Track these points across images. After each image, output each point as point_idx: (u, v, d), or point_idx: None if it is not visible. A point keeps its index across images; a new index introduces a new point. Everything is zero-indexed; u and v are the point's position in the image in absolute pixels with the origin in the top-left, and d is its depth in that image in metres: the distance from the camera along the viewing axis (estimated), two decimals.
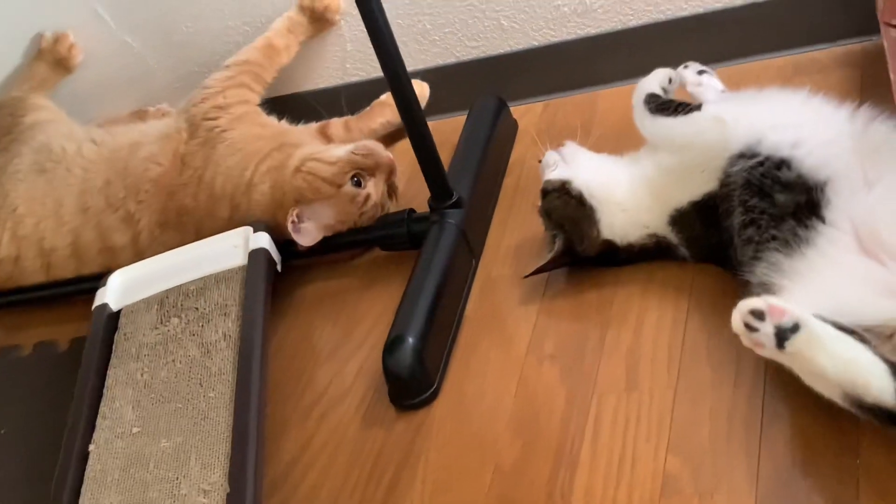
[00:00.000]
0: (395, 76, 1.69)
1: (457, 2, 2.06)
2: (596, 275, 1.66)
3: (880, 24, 1.52)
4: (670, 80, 1.69)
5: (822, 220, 1.37)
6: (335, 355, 1.77)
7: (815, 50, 1.90)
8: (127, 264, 1.96)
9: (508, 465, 1.46)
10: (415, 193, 1.93)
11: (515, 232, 1.83)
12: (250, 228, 1.85)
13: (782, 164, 1.43)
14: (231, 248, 1.85)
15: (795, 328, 1.19)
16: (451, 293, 1.71)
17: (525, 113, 2.08)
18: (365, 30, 1.65)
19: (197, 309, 1.79)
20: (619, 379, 1.50)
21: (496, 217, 1.88)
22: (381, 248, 1.90)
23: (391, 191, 1.90)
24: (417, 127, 1.74)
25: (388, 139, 2.06)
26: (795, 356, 1.21)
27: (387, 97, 2.04)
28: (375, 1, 1.63)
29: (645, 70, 1.70)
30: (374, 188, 1.84)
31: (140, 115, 2.23)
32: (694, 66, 1.73)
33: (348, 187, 1.83)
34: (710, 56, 1.84)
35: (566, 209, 1.63)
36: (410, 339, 1.59)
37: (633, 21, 1.99)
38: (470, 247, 1.79)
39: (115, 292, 1.89)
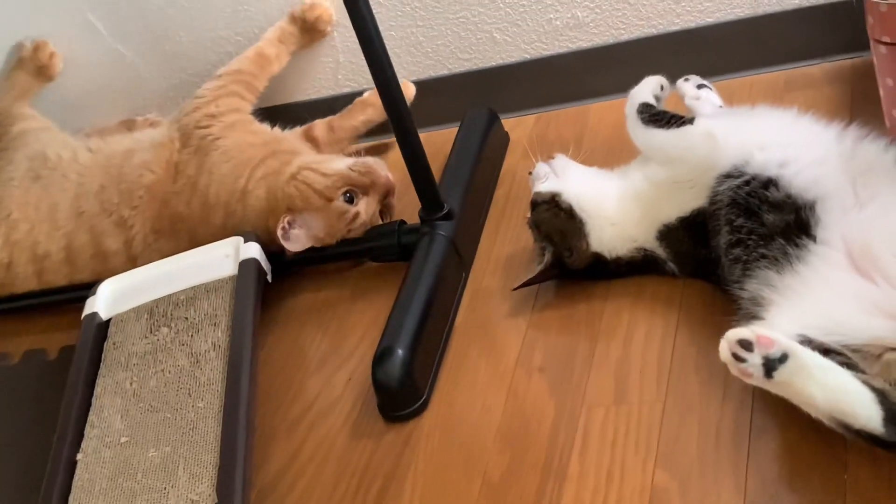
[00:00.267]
0: (386, 88, 1.70)
1: (449, 14, 2.06)
2: (586, 288, 1.66)
3: (870, 40, 1.53)
4: (662, 88, 1.69)
5: (813, 238, 1.38)
6: (324, 366, 1.77)
7: (807, 65, 1.91)
8: (119, 270, 1.96)
9: (497, 477, 1.46)
10: (406, 205, 1.93)
11: (506, 244, 1.83)
12: (241, 238, 1.85)
13: (770, 183, 1.43)
14: (221, 258, 1.85)
15: (784, 358, 1.19)
16: (441, 305, 1.72)
17: (516, 125, 2.08)
18: (357, 41, 1.66)
19: (186, 318, 1.79)
20: (608, 392, 1.50)
21: (487, 229, 1.88)
22: (371, 260, 1.90)
23: (386, 210, 1.90)
24: (408, 138, 1.75)
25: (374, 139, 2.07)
26: (783, 385, 1.21)
27: (369, 95, 2.05)
28: (368, 12, 1.64)
29: (635, 84, 1.70)
30: (364, 207, 1.84)
31: (128, 124, 2.23)
32: (694, 80, 1.74)
33: (339, 202, 1.83)
34: (702, 70, 1.84)
35: (555, 221, 1.63)
36: (400, 351, 1.59)
37: (625, 35, 1.99)
38: (460, 258, 1.79)
39: (104, 301, 1.89)
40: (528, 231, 1.71)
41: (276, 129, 2.01)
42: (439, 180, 1.85)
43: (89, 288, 1.93)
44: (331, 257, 1.90)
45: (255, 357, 1.69)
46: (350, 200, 1.83)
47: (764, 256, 1.40)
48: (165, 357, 1.74)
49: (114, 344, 1.81)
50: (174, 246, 1.94)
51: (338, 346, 1.79)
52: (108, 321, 1.86)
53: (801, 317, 1.31)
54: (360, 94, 2.15)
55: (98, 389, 1.74)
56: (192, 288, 1.83)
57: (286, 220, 1.82)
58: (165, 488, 1.54)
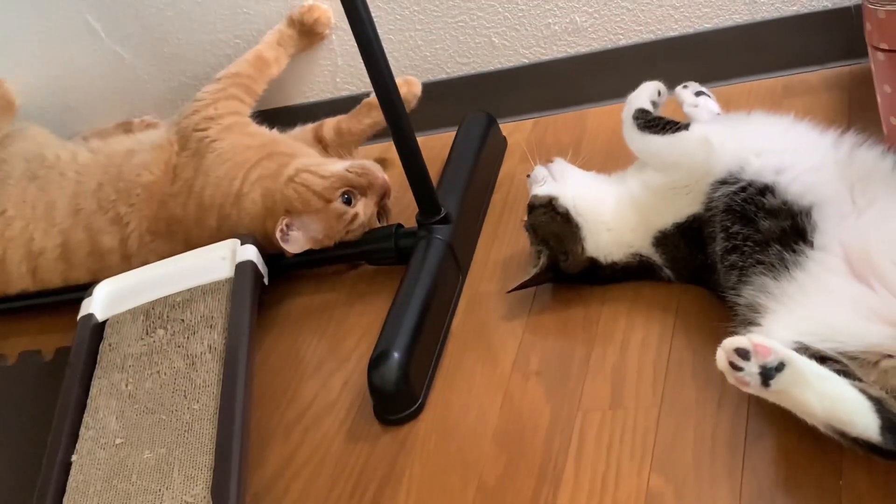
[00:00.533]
0: (385, 91, 1.70)
1: (448, 18, 2.06)
2: (583, 292, 1.66)
3: (868, 47, 1.53)
4: (659, 94, 1.69)
5: (810, 244, 1.38)
6: (321, 369, 1.77)
7: (805, 72, 1.91)
8: (114, 268, 1.96)
9: (492, 481, 1.46)
10: (403, 208, 1.93)
11: (503, 248, 1.84)
12: (237, 241, 1.85)
13: (766, 189, 1.43)
14: (218, 260, 1.85)
15: (780, 367, 1.19)
16: (438, 308, 1.72)
17: (514, 130, 2.08)
18: (355, 44, 1.66)
19: (183, 320, 1.79)
20: (604, 396, 1.50)
21: (484, 233, 1.89)
22: (368, 263, 1.90)
23: (383, 212, 1.90)
24: (406, 142, 1.75)
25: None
26: (780, 394, 1.21)
27: (375, 97, 2.03)
28: (366, 15, 1.64)
29: (633, 89, 1.70)
30: (363, 208, 1.85)
31: (125, 126, 2.23)
32: (693, 87, 1.74)
33: (337, 204, 1.83)
34: (700, 76, 1.84)
35: (552, 225, 1.63)
36: (396, 354, 1.59)
37: (624, 40, 2.00)
38: (457, 262, 1.79)
39: (100, 302, 1.89)
40: (525, 235, 1.71)
41: (274, 132, 2.01)
42: (437, 184, 1.86)
43: (85, 289, 1.93)
44: (328, 260, 1.90)
45: (252, 359, 1.69)
46: (348, 202, 1.84)
47: (760, 263, 1.40)
48: (161, 359, 1.74)
49: (109, 345, 1.81)
50: (170, 248, 1.94)
51: (334, 349, 1.79)
52: (104, 323, 1.86)
53: (797, 323, 1.31)
54: (358, 97, 2.15)
55: (93, 391, 1.74)
56: (189, 290, 1.83)
57: (284, 222, 1.82)
58: (160, 490, 1.54)
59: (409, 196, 1.81)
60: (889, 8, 1.45)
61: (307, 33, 2.11)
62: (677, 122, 1.58)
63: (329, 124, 2.06)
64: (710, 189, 1.50)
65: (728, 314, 1.44)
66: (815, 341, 1.27)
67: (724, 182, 1.48)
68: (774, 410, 1.30)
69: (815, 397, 1.20)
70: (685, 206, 1.54)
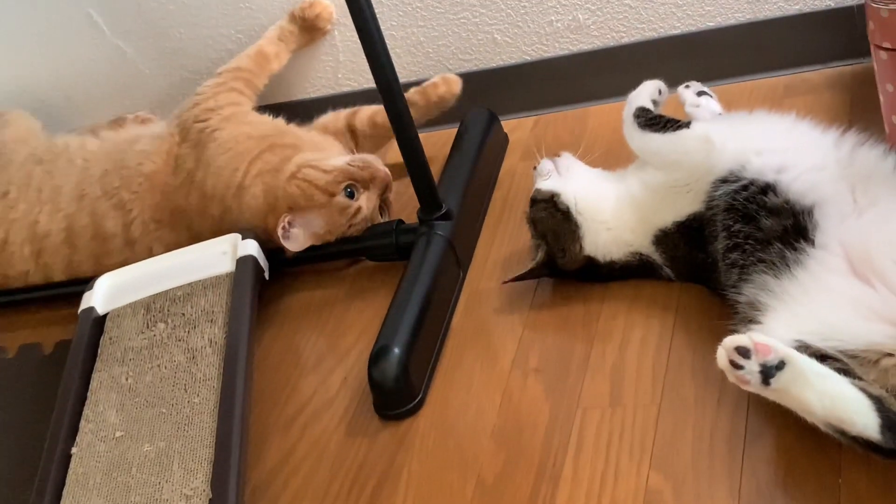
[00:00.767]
0: (387, 87, 1.70)
1: (451, 15, 2.06)
2: (583, 289, 1.66)
3: (871, 46, 1.53)
4: (660, 92, 1.69)
5: (812, 242, 1.38)
6: (320, 365, 1.77)
7: (807, 71, 1.91)
8: (117, 253, 1.97)
9: (491, 478, 1.46)
10: (404, 205, 1.93)
11: (503, 245, 1.84)
12: (238, 235, 1.86)
13: (767, 188, 1.43)
14: (219, 255, 1.85)
15: (781, 366, 1.20)
16: (438, 305, 1.72)
17: (516, 127, 2.08)
18: (358, 40, 1.66)
19: (183, 315, 1.79)
20: (604, 394, 1.50)
21: (485, 230, 1.89)
22: (368, 259, 1.90)
23: (385, 206, 1.90)
24: (408, 138, 1.75)
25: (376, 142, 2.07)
26: (781, 393, 1.21)
27: (414, 91, 2.01)
28: (370, 11, 1.64)
29: (636, 87, 1.70)
30: (366, 201, 1.85)
31: (119, 122, 2.24)
32: (695, 87, 1.74)
33: (340, 197, 1.83)
34: (702, 75, 1.85)
35: (551, 222, 1.64)
36: (396, 350, 1.59)
37: (626, 38, 2.00)
38: (458, 259, 1.79)
39: (101, 296, 1.89)
40: (526, 233, 1.71)
41: (279, 121, 2.00)
42: (438, 181, 1.86)
43: (86, 282, 1.93)
44: (328, 256, 1.90)
45: (252, 354, 1.69)
46: (351, 195, 1.84)
47: (761, 261, 1.40)
48: (161, 352, 1.74)
49: (110, 339, 1.81)
50: (174, 237, 1.95)
51: (334, 345, 1.79)
52: (105, 316, 1.86)
53: (798, 322, 1.31)
54: (359, 93, 2.15)
55: (93, 384, 1.74)
56: (190, 284, 1.83)
57: (286, 219, 1.82)
58: (160, 483, 1.54)
59: (411, 192, 1.82)
60: (892, 7, 1.45)
61: (309, 29, 2.12)
62: (678, 121, 1.58)
63: (364, 114, 2.04)
64: (710, 188, 1.50)
65: (728, 312, 1.44)
66: (815, 340, 1.27)
67: (725, 181, 1.48)
68: (774, 409, 1.30)
69: (815, 396, 1.20)
70: (686, 205, 1.54)
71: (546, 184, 1.67)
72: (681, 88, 1.74)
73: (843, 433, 1.22)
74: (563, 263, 1.64)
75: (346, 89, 2.19)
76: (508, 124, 2.08)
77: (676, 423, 1.42)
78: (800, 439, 1.31)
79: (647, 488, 1.35)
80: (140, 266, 1.92)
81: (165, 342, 1.76)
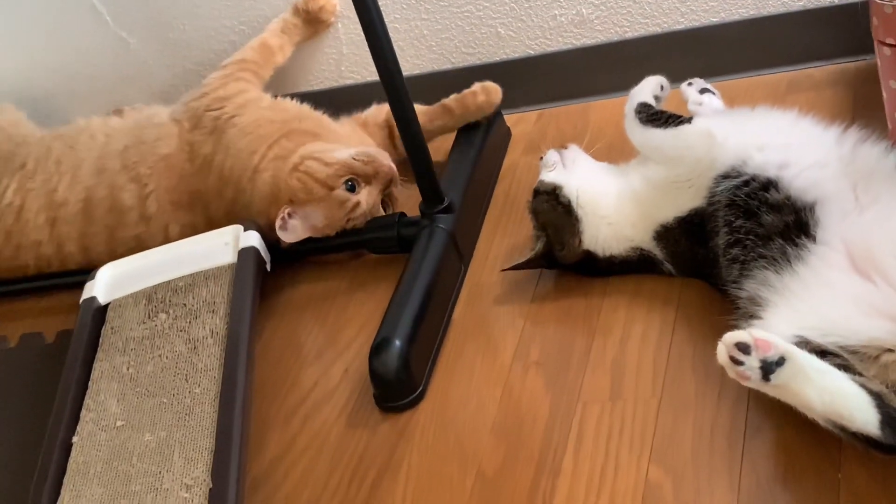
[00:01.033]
0: (390, 80, 1.70)
1: (455, 8, 2.06)
2: (584, 284, 1.66)
3: (874, 42, 1.53)
4: (662, 88, 1.69)
5: (813, 238, 1.38)
6: (321, 356, 1.77)
7: (810, 67, 1.91)
8: (131, 226, 1.98)
9: (491, 470, 1.46)
10: (406, 197, 1.93)
11: (505, 239, 1.84)
12: (241, 227, 1.86)
13: (769, 184, 1.44)
14: (221, 246, 1.85)
15: (781, 361, 1.19)
16: (439, 298, 1.72)
17: (518, 121, 2.08)
18: (361, 33, 1.66)
19: (185, 305, 1.79)
20: (604, 388, 1.50)
21: (486, 224, 1.89)
22: (370, 251, 1.91)
23: (389, 200, 1.90)
24: (411, 132, 1.75)
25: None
26: (781, 389, 1.21)
27: (452, 101, 1.98)
28: (373, 4, 1.64)
29: (638, 82, 1.70)
30: (365, 196, 1.84)
31: (117, 114, 2.23)
32: (698, 84, 1.74)
33: (340, 191, 1.83)
34: (706, 70, 1.85)
35: (552, 214, 1.64)
36: (397, 342, 1.59)
37: (630, 33, 2.00)
38: (459, 252, 1.80)
39: (103, 286, 1.89)
40: (528, 227, 1.72)
41: (303, 107, 1.99)
42: (440, 174, 1.86)
43: (88, 271, 1.94)
44: (330, 248, 1.90)
45: (253, 345, 1.69)
46: (352, 189, 1.84)
47: (762, 256, 1.40)
48: (163, 343, 1.75)
49: (112, 328, 1.82)
50: (191, 218, 1.96)
51: (335, 336, 1.80)
52: (107, 306, 1.87)
53: (798, 318, 1.31)
54: (362, 86, 2.15)
55: (95, 373, 1.75)
56: (192, 275, 1.83)
57: (286, 211, 1.82)
58: (160, 472, 1.55)
59: (413, 185, 1.82)
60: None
61: (312, 21, 2.12)
62: (679, 116, 1.58)
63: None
64: (712, 183, 1.50)
65: (729, 308, 1.44)
66: (815, 335, 1.28)
67: (726, 176, 1.48)
68: (774, 404, 1.30)
69: (815, 392, 1.20)
70: (687, 200, 1.54)
71: (550, 175, 1.67)
72: (683, 86, 1.74)
73: (843, 429, 1.22)
74: (561, 256, 1.65)
75: (349, 82, 2.19)
76: (511, 118, 2.08)
77: (677, 418, 1.42)
78: (799, 434, 1.31)
79: (647, 482, 1.35)
80: (142, 256, 1.92)
81: (167, 332, 1.76)
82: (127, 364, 1.74)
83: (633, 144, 1.65)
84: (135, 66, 2.29)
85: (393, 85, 1.71)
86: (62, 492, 1.58)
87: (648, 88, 1.67)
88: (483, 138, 1.98)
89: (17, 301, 2.12)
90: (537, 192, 1.67)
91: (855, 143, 1.47)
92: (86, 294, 1.89)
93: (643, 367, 1.51)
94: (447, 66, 2.13)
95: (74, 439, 1.65)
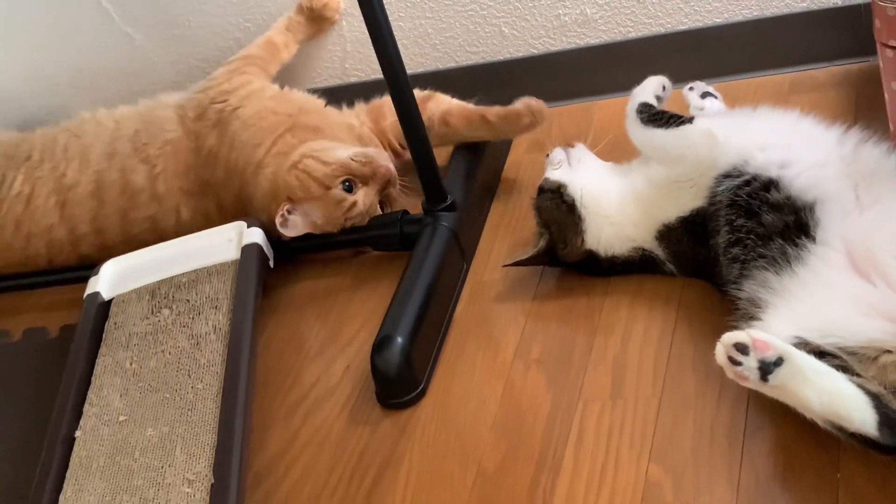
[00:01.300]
0: (394, 78, 1.71)
1: (459, 7, 2.07)
2: (586, 282, 1.67)
3: (877, 44, 1.53)
4: (664, 88, 1.70)
5: (813, 239, 1.38)
6: (323, 353, 1.78)
7: (813, 68, 1.92)
8: (145, 207, 1.99)
9: (491, 467, 1.47)
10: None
11: (507, 237, 1.84)
12: (244, 223, 1.87)
13: (770, 184, 1.44)
14: (224, 242, 1.86)
15: (779, 362, 1.20)
16: (442, 295, 1.72)
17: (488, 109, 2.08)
18: (365, 31, 1.67)
19: (188, 301, 1.80)
20: (605, 387, 1.51)
21: (489, 222, 1.89)
22: (373, 249, 1.91)
23: (388, 201, 1.90)
24: (415, 130, 1.76)
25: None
26: (779, 389, 1.21)
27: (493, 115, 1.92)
28: (378, 3, 1.64)
29: (641, 82, 1.71)
30: (362, 196, 1.84)
31: None
32: (699, 88, 1.74)
33: (337, 191, 1.83)
34: (709, 71, 1.86)
35: (556, 212, 1.64)
36: (399, 339, 1.60)
37: (633, 33, 2.00)
38: (462, 250, 1.80)
39: (107, 281, 1.90)
40: (531, 225, 1.72)
41: (307, 99, 2.00)
42: (444, 172, 1.86)
43: (92, 267, 1.94)
44: (333, 245, 1.91)
45: (255, 341, 1.70)
46: (349, 189, 1.84)
47: (762, 256, 1.41)
48: (166, 338, 1.75)
49: (115, 324, 1.82)
50: (203, 204, 1.98)
51: (337, 333, 1.80)
52: (110, 301, 1.87)
53: (797, 319, 1.32)
54: (366, 84, 2.15)
55: (98, 368, 1.75)
56: (195, 271, 1.84)
57: (286, 207, 1.83)
58: (163, 467, 1.55)
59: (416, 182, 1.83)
60: None
61: (316, 19, 2.12)
62: (681, 116, 1.59)
63: (442, 110, 1.93)
64: (714, 183, 1.50)
65: (729, 308, 1.44)
66: (814, 336, 1.28)
67: (728, 176, 1.49)
68: (773, 404, 1.31)
69: (813, 392, 1.20)
70: (689, 200, 1.55)
71: (555, 173, 1.67)
72: (685, 90, 1.74)
73: (841, 429, 1.22)
74: (563, 255, 1.65)
75: (353, 79, 2.20)
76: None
77: (677, 417, 1.42)
78: (799, 434, 1.32)
79: (647, 480, 1.36)
80: (146, 252, 1.93)
81: (170, 328, 1.77)
82: (130, 359, 1.75)
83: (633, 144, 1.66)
84: (140, 62, 2.29)
85: (397, 83, 1.71)
86: (65, 485, 1.58)
87: (650, 88, 1.68)
88: None
89: (20, 296, 2.13)
90: (542, 190, 1.67)
91: (857, 144, 1.47)
92: (89, 289, 1.89)
93: (644, 366, 1.51)
94: (451, 64, 2.13)
95: (77, 434, 1.66)
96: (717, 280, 1.51)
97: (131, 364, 1.74)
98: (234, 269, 1.81)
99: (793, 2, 1.89)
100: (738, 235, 1.44)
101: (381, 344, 1.60)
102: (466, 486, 1.45)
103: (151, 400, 1.66)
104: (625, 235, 1.62)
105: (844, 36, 1.87)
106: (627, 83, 1.72)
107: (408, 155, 1.87)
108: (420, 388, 1.61)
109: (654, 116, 1.60)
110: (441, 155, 1.88)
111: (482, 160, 1.94)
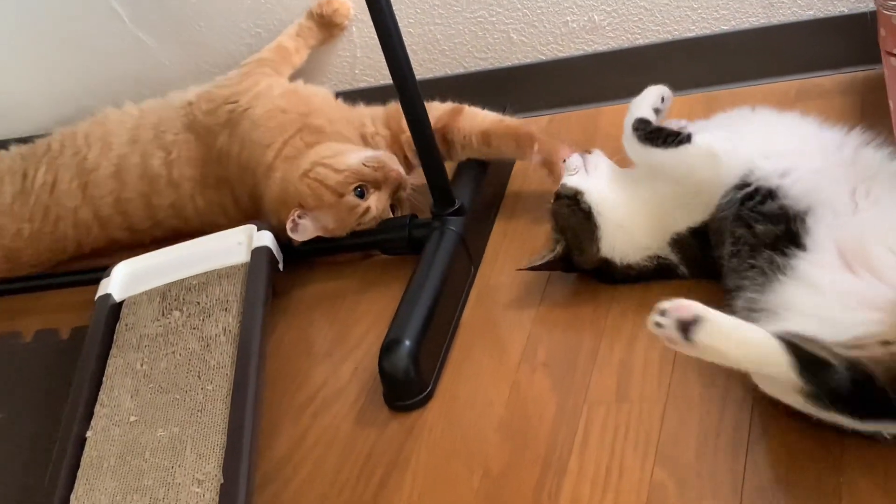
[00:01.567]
0: (404, 84, 1.71)
1: (468, 13, 2.08)
2: (592, 287, 1.68)
3: (882, 52, 1.54)
4: (663, 100, 1.68)
5: (803, 247, 1.38)
6: (331, 355, 1.79)
7: (819, 76, 1.92)
8: (164, 194, 2.03)
9: (497, 469, 1.47)
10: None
11: (515, 241, 1.85)
12: (254, 227, 1.88)
13: (770, 194, 1.44)
14: (235, 245, 1.87)
15: (697, 320, 1.24)
16: (449, 299, 1.73)
17: (530, 125, 2.09)
18: (375, 36, 1.68)
19: (198, 303, 1.81)
20: (610, 390, 1.51)
21: (497, 226, 1.90)
22: (381, 252, 1.92)
23: (398, 204, 1.90)
24: (424, 135, 1.76)
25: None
26: (706, 349, 1.25)
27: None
28: (388, 9, 1.65)
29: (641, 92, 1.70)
30: (375, 202, 1.85)
31: None
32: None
33: (350, 197, 1.84)
34: (716, 77, 1.86)
35: (572, 219, 1.64)
36: (407, 342, 1.61)
37: (641, 40, 2.01)
38: (469, 254, 1.81)
39: (118, 283, 1.91)
40: (538, 230, 1.73)
41: (316, 98, 2.00)
42: (452, 177, 1.87)
43: (103, 269, 1.96)
44: (342, 248, 1.91)
45: (265, 343, 1.71)
46: (361, 195, 1.84)
47: (753, 266, 1.41)
48: (176, 340, 1.76)
49: (126, 325, 1.84)
50: (218, 197, 2.01)
51: (345, 336, 1.81)
52: (121, 303, 1.89)
53: (796, 322, 1.31)
54: (376, 89, 2.16)
55: (109, 369, 1.76)
56: (205, 273, 1.85)
57: (297, 213, 1.84)
58: (173, 467, 1.56)
59: (424, 187, 1.83)
60: None
61: (327, 25, 2.13)
62: (678, 134, 1.56)
63: (480, 129, 1.89)
64: (721, 196, 1.50)
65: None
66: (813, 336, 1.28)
67: (735, 187, 1.48)
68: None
69: (734, 346, 1.25)
70: (698, 214, 1.55)
71: (573, 180, 1.66)
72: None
73: (805, 394, 1.24)
74: (579, 261, 1.65)
75: (363, 85, 2.21)
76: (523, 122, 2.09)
77: (682, 420, 1.43)
78: (802, 439, 1.33)
79: (652, 483, 1.37)
80: (157, 255, 1.95)
81: (180, 330, 1.78)
82: (141, 360, 1.76)
83: None
84: (151, 66, 2.30)
85: (406, 88, 1.72)
86: (76, 485, 1.59)
87: (648, 101, 1.66)
88: None
89: (32, 297, 2.14)
90: (558, 196, 1.66)
91: (858, 147, 1.47)
92: (101, 291, 1.91)
93: (649, 370, 1.52)
94: (460, 70, 2.14)
95: (88, 434, 1.67)
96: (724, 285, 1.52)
97: (142, 365, 1.75)
98: (244, 272, 1.82)
99: (799, 9, 1.90)
100: (738, 247, 1.45)
101: (389, 346, 1.61)
102: (472, 488, 1.46)
103: (162, 401, 1.67)
104: (639, 244, 1.62)
105: (851, 43, 1.87)
106: (635, 89, 1.72)
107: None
108: (427, 390, 1.62)
109: (651, 135, 1.58)
110: (450, 161, 1.89)
111: (490, 165, 1.94)
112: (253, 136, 1.94)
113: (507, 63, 2.11)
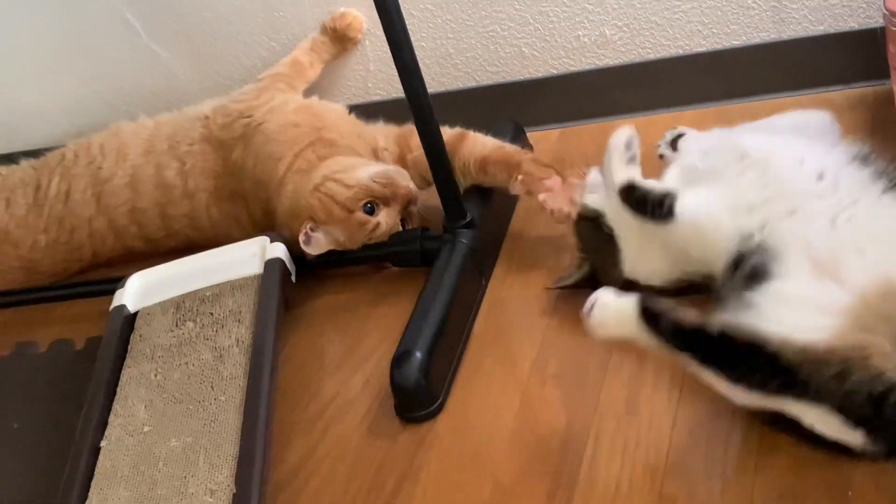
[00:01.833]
0: (416, 97, 1.72)
1: (480, 28, 2.09)
2: None
3: (890, 68, 1.55)
4: (630, 147, 1.59)
5: (770, 276, 1.36)
6: (343, 366, 1.79)
7: (829, 91, 1.92)
8: (179, 205, 2.05)
9: (507, 481, 1.48)
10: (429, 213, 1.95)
11: (526, 254, 1.86)
12: (267, 238, 1.89)
13: (751, 253, 1.41)
14: (248, 257, 1.88)
15: (594, 302, 1.39)
16: (460, 311, 1.74)
17: (541, 139, 2.10)
18: (388, 50, 1.68)
19: (212, 314, 1.82)
20: (620, 402, 1.52)
21: (508, 239, 1.91)
22: (393, 265, 1.93)
23: (408, 219, 1.91)
24: (435, 149, 1.77)
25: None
26: (604, 327, 1.39)
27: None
28: (400, 23, 1.66)
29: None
30: (385, 217, 1.85)
31: None
32: (667, 138, 1.72)
33: (359, 214, 1.84)
34: (727, 92, 1.86)
35: (595, 240, 1.63)
36: (418, 354, 1.61)
37: (651, 55, 2.01)
38: (481, 267, 1.82)
39: (132, 294, 1.93)
40: (547, 244, 1.73)
41: (327, 113, 2.01)
42: (464, 190, 1.88)
43: (118, 280, 1.97)
44: (353, 261, 1.92)
45: (277, 354, 1.72)
46: (370, 211, 1.85)
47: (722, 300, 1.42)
48: (190, 351, 1.77)
49: (140, 336, 1.85)
50: (233, 210, 2.03)
51: (357, 347, 1.82)
52: (136, 314, 1.90)
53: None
54: (389, 103, 2.18)
55: (123, 380, 1.77)
56: (219, 285, 1.86)
57: (308, 226, 1.85)
58: (185, 477, 1.57)
59: (436, 200, 1.84)
60: None
61: (340, 39, 2.15)
62: (662, 201, 1.50)
63: (478, 156, 1.86)
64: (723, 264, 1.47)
65: None
66: None
67: (732, 262, 1.45)
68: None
69: (614, 319, 1.37)
70: (703, 267, 1.52)
71: (593, 199, 1.64)
72: (659, 151, 1.72)
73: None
74: (605, 283, 1.58)
75: (375, 98, 2.22)
76: (534, 136, 2.10)
77: (691, 433, 1.43)
78: (812, 453, 1.33)
79: (662, 496, 1.37)
80: (170, 266, 1.96)
81: (194, 341, 1.79)
82: (154, 371, 1.77)
83: (651, 165, 1.64)
84: (166, 78, 2.32)
85: (418, 102, 1.73)
86: (90, 494, 1.60)
87: (618, 159, 1.57)
88: None
89: (48, 308, 2.16)
90: (581, 217, 1.65)
91: (838, 171, 1.41)
92: (115, 302, 1.92)
93: (659, 383, 1.52)
94: (472, 83, 2.15)
95: (103, 444, 1.68)
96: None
97: (156, 376, 1.76)
98: (257, 284, 1.83)
99: (810, 25, 1.90)
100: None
101: (400, 358, 1.62)
102: (483, 499, 1.46)
103: (175, 411, 1.68)
104: (658, 270, 1.60)
105: (861, 59, 1.87)
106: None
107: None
108: (438, 402, 1.63)
109: (640, 207, 1.53)
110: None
111: None
112: (266, 150, 1.95)
113: (519, 77, 2.12)
